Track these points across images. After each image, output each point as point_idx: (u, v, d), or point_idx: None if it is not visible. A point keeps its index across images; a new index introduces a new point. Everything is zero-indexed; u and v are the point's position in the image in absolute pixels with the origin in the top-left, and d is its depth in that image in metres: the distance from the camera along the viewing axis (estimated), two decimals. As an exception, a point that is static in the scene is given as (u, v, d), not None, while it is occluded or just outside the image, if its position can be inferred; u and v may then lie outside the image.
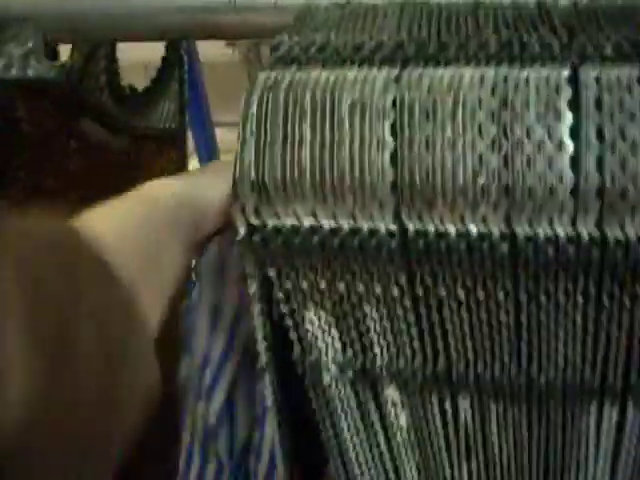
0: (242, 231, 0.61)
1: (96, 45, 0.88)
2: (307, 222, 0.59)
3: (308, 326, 0.66)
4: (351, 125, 0.57)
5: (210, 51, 2.70)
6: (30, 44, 0.80)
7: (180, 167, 1.19)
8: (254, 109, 0.58)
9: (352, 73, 0.59)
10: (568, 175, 0.54)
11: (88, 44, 0.87)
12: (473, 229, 0.56)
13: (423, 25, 0.64)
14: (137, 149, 1.05)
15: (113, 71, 0.94)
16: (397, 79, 0.57)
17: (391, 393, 0.69)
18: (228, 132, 3.11)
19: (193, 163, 2.74)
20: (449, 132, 0.55)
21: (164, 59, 1.09)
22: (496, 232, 0.56)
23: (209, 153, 2.58)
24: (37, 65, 0.82)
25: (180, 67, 1.11)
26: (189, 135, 2.62)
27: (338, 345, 0.67)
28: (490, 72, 0.56)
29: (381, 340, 0.66)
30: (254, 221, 0.59)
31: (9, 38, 0.79)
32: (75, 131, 0.91)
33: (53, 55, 0.85)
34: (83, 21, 0.78)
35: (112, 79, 0.95)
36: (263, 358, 0.71)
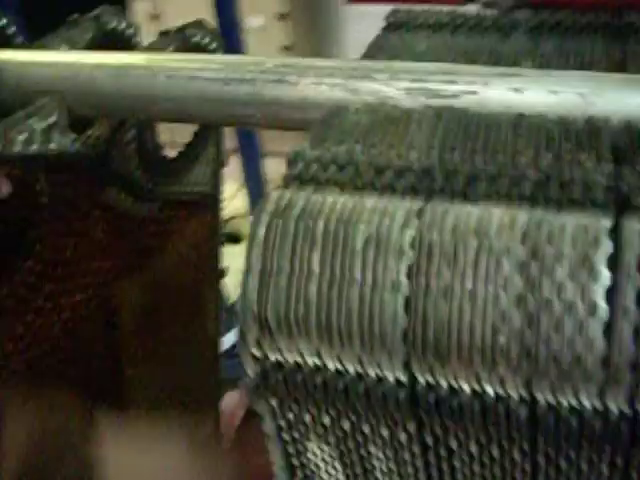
0: (243, 358, 0.57)
1: (125, 118, 0.86)
2: (311, 361, 0.54)
3: (310, 456, 0.62)
4: (364, 262, 0.52)
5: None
6: (54, 118, 0.78)
7: (213, 231, 1.16)
8: (262, 233, 0.54)
9: (371, 201, 0.54)
10: (599, 343, 0.48)
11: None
12: (490, 390, 0.51)
13: (457, 144, 0.59)
14: (167, 215, 1.02)
15: (142, 140, 0.91)
16: (419, 214, 0.53)
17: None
18: (280, 163, 3.11)
19: (241, 195, 2.73)
20: (470, 282, 0.50)
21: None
22: (515, 396, 0.50)
23: (257, 186, 2.56)
24: (60, 138, 0.80)
25: (217, 131, 1.08)
26: (238, 166, 2.61)
27: (342, 478, 0.63)
28: (522, 216, 0.51)
29: (386, 481, 0.61)
30: (255, 352, 0.55)
31: (33, 112, 0.76)
32: (99, 202, 0.88)
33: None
34: (108, 99, 0.75)
35: (142, 147, 0.92)
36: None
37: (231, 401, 2.00)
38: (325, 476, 0.63)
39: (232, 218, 2.64)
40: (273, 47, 4.17)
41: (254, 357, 0.56)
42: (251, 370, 0.57)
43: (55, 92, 0.77)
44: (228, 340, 1.82)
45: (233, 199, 2.68)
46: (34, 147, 0.77)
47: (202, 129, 1.04)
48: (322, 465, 0.62)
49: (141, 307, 1.06)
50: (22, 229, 0.81)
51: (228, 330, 1.86)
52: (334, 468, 0.62)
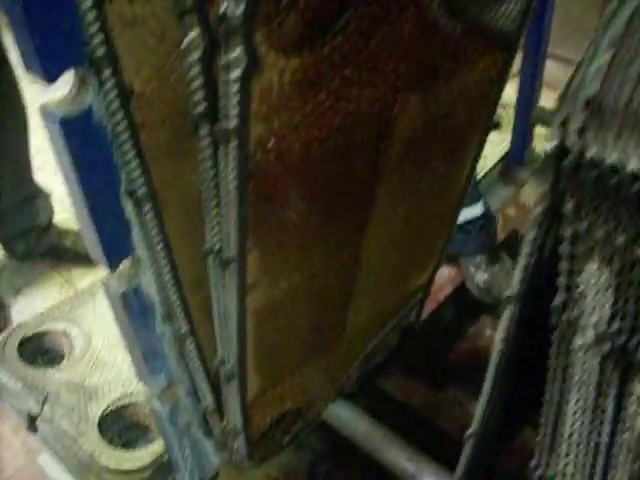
0: (552, 146, 0.54)
1: None
2: (633, 165, 0.50)
3: (584, 278, 0.59)
4: None
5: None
6: None
7: (501, 75, 1.12)
8: (624, 18, 0.50)
9: None
10: None
11: None
12: None
13: None
14: (467, 40, 0.99)
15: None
16: None
17: (642, 388, 0.60)
18: (559, 67, 2.93)
19: (513, 86, 2.62)
20: None
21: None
22: None
23: (533, 80, 2.42)
24: None
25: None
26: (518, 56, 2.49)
27: (608, 312, 0.59)
28: None
29: (659, 327, 0.57)
30: (572, 142, 0.52)
31: None
32: (417, 1, 0.87)
33: None
34: None
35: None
36: (515, 287, 0.65)
37: (445, 274, 2.01)
38: (590, 304, 0.60)
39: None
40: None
41: (567, 149, 0.53)
42: (552, 157, 0.53)
43: None
44: (464, 214, 1.80)
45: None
46: None
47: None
48: (593, 291, 0.59)
49: (414, 129, 1.05)
50: (341, 5, 0.82)
51: (468, 204, 1.84)
52: (604, 297, 0.58)
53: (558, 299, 0.61)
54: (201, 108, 0.83)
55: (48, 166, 2.24)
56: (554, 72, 2.65)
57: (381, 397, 1.79)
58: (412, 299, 1.57)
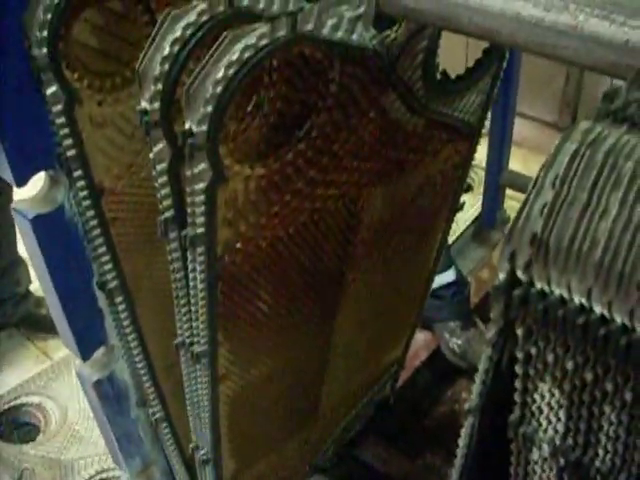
0: (501, 277, 0.56)
1: (425, 25, 0.85)
2: (578, 299, 0.52)
3: (537, 397, 0.61)
4: (668, 216, 0.49)
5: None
6: (362, 9, 0.79)
7: (465, 162, 1.15)
8: (565, 161, 0.52)
9: (691, 157, 0.50)
10: None
11: (415, 23, 0.84)
12: None
13: None
14: (429, 134, 1.02)
15: (431, 53, 0.91)
16: None
17: (599, 501, 0.62)
18: (525, 125, 2.97)
19: (482, 147, 2.67)
20: None
21: (486, 51, 1.04)
22: None
23: (502, 143, 2.47)
24: (362, 31, 0.81)
25: (500, 63, 1.05)
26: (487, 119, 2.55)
27: (561, 429, 0.61)
28: None
29: (609, 445, 0.58)
30: (521, 275, 0.54)
31: (345, 0, 0.78)
32: (378, 103, 0.90)
33: (382, 25, 0.83)
34: (423, 1, 0.75)
35: (428, 60, 0.92)
36: (474, 401, 0.67)
37: (420, 341, 2.02)
38: (544, 422, 0.61)
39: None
40: None
41: (516, 280, 0.55)
42: (504, 287, 0.56)
43: (370, -15, 0.79)
44: (437, 281, 1.82)
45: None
46: (339, 34, 0.80)
47: (487, 56, 1.02)
48: (546, 410, 0.61)
49: (381, 218, 1.08)
50: (304, 112, 0.84)
51: (440, 271, 1.86)
52: (557, 417, 0.60)
53: (514, 415, 0.63)
54: (169, 214, 0.85)
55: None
56: (523, 131, 2.71)
57: (358, 468, 1.79)
58: (387, 373, 1.58)
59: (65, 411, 2.04)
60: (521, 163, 2.61)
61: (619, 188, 0.50)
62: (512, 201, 2.43)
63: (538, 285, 0.54)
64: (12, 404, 2.05)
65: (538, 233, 0.52)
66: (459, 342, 1.96)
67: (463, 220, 2.34)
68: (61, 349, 2.26)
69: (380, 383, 1.58)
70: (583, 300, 0.52)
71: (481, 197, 2.36)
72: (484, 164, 2.34)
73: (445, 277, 1.92)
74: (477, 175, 2.53)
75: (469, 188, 2.37)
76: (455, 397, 2.01)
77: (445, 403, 2.00)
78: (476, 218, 2.36)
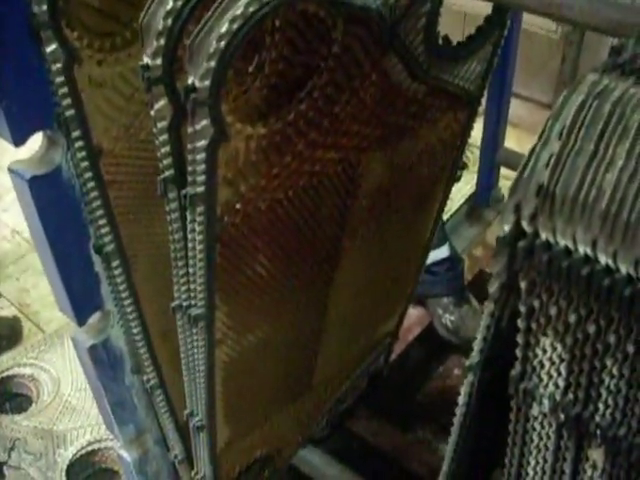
0: (506, 229, 0.56)
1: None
2: (583, 250, 0.52)
3: (538, 351, 0.61)
4: (675, 165, 0.49)
5: (534, 20, 2.57)
6: (369, -31, 0.79)
7: (464, 131, 1.15)
8: (572, 112, 0.52)
9: (698, 108, 0.50)
10: None
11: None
12: None
13: None
14: (429, 100, 1.02)
15: (434, 17, 0.91)
16: None
17: (596, 456, 0.62)
18: (522, 106, 2.97)
19: (478, 126, 2.67)
20: None
21: (487, 19, 1.03)
22: None
23: (498, 122, 2.47)
24: (368, -8, 0.81)
25: (500, 31, 1.05)
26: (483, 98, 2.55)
27: (562, 383, 0.61)
28: None
29: (610, 399, 0.59)
30: (526, 226, 0.54)
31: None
32: (379, 65, 0.89)
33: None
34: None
35: (431, 25, 0.92)
36: (474, 357, 0.67)
37: (413, 316, 2.03)
38: (545, 377, 0.62)
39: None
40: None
41: (521, 231, 0.55)
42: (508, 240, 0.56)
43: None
44: (431, 256, 1.82)
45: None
46: (343, -8, 0.79)
47: (488, 24, 1.02)
48: (547, 364, 0.61)
49: (379, 184, 1.08)
50: (306, 73, 0.84)
51: (435, 247, 1.87)
52: (558, 371, 0.61)
53: (515, 370, 0.63)
54: (169, 173, 0.85)
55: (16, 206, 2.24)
56: (518, 112, 2.71)
57: (350, 440, 1.80)
58: (380, 345, 1.58)
59: (57, 382, 2.04)
60: (516, 143, 2.61)
61: (626, 139, 0.51)
62: (507, 181, 2.44)
63: (543, 236, 0.54)
64: (4, 375, 2.05)
65: (544, 184, 0.52)
66: (452, 318, 1.97)
67: (458, 198, 2.35)
68: (54, 321, 2.26)
69: (373, 355, 1.59)
70: (588, 250, 0.52)
71: (475, 176, 2.36)
72: (479, 143, 2.34)
73: (439, 253, 1.92)
74: (472, 154, 2.53)
75: (464, 166, 2.38)
76: (447, 373, 2.02)
77: (437, 378, 2.01)
78: (471, 196, 2.37)
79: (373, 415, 1.85)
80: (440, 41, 0.96)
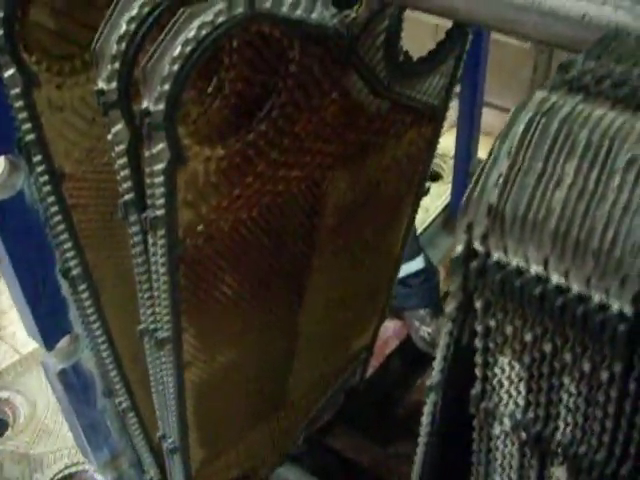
0: (459, 249, 0.56)
1: (387, 3, 0.85)
2: (535, 269, 0.52)
3: (497, 370, 0.61)
4: (622, 183, 0.49)
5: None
6: (321, -13, 0.79)
7: (430, 145, 1.15)
8: (520, 129, 0.52)
9: (644, 124, 0.50)
10: None
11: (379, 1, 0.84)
12: None
13: None
14: (393, 116, 1.02)
15: (394, 33, 0.90)
16: (695, 147, 0.49)
17: (559, 474, 0.62)
18: (494, 115, 2.99)
19: (451, 136, 2.67)
20: None
21: (448, 33, 1.03)
22: None
23: (470, 132, 2.48)
24: (322, 10, 0.81)
25: (462, 45, 1.05)
26: (454, 108, 2.55)
27: (522, 402, 0.61)
28: None
29: (569, 417, 0.58)
30: (477, 246, 0.54)
31: (306, -22, 0.77)
32: (339, 83, 0.89)
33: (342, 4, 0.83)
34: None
35: (391, 41, 0.91)
36: (435, 377, 0.67)
37: (389, 329, 2.03)
38: (505, 395, 0.61)
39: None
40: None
41: (474, 251, 0.55)
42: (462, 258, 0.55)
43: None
44: (405, 269, 1.82)
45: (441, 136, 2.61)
46: (298, 12, 0.79)
47: (450, 38, 1.02)
48: (506, 383, 0.60)
49: (344, 202, 1.07)
50: (265, 93, 0.84)
51: (409, 259, 1.87)
52: (517, 390, 0.60)
53: (475, 389, 0.63)
54: (129, 196, 0.84)
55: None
56: (491, 121, 2.72)
57: (329, 456, 1.79)
58: (356, 360, 1.58)
59: (34, 405, 2.02)
60: (490, 152, 2.62)
61: (574, 157, 0.50)
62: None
63: (495, 256, 0.54)
64: (-21, 399, 2.03)
65: (494, 204, 0.52)
66: (429, 330, 1.97)
67: (433, 209, 2.35)
68: (30, 343, 2.23)
69: (349, 370, 1.58)
70: (540, 269, 0.52)
71: (450, 186, 2.37)
72: (453, 153, 2.35)
73: (414, 265, 1.92)
74: (446, 164, 2.53)
75: (438, 177, 2.39)
76: (426, 385, 2.02)
77: (416, 391, 2.01)
78: (446, 206, 2.37)
79: (352, 430, 1.84)
80: (401, 57, 0.96)
